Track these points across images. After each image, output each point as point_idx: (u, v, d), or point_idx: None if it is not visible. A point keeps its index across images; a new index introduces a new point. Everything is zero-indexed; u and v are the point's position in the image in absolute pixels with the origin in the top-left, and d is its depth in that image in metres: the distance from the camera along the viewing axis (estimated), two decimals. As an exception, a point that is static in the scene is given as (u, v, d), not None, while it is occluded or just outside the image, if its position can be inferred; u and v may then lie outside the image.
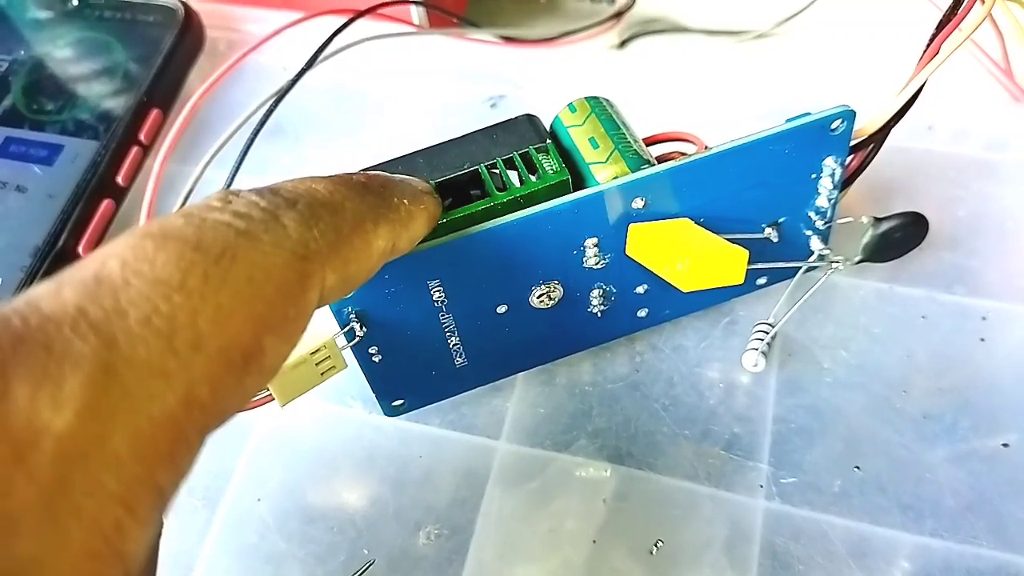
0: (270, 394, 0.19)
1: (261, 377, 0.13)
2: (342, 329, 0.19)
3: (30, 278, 0.26)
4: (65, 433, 0.10)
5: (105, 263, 0.12)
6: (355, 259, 0.15)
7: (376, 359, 0.21)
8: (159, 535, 0.14)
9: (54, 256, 0.26)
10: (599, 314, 0.22)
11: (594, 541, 0.21)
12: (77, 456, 0.10)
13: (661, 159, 0.21)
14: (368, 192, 0.16)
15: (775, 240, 0.22)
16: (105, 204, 0.28)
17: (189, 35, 0.31)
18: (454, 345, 0.21)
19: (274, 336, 0.13)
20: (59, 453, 0.10)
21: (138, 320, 0.11)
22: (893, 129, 0.22)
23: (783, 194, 0.21)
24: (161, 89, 0.30)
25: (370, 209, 0.16)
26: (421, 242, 0.18)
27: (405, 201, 0.17)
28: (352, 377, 0.21)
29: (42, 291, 0.11)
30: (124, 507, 0.11)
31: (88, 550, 0.10)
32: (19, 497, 0.10)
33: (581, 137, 0.21)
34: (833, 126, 0.20)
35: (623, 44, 0.32)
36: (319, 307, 0.14)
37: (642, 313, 0.23)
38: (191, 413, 0.11)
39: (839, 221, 0.23)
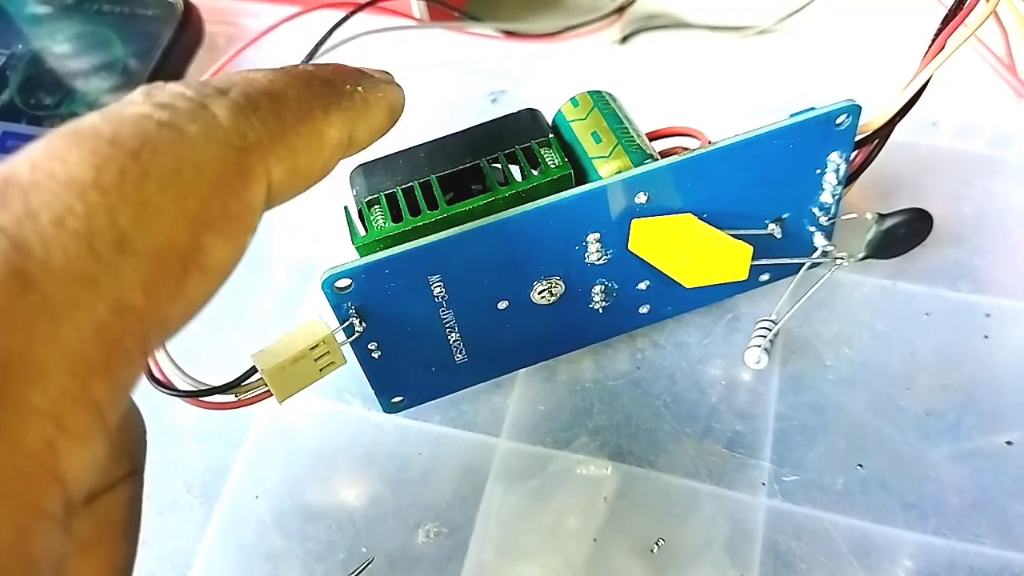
0: (268, 390, 0.19)
1: (206, 281, 0.12)
2: (341, 324, 0.19)
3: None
4: None
5: (13, 167, 0.11)
6: (304, 149, 0.14)
7: (375, 355, 0.21)
8: (140, 476, 0.13)
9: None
10: (601, 310, 0.22)
11: (595, 539, 0.21)
12: None
13: (664, 154, 0.20)
14: (315, 79, 0.15)
15: (778, 236, 0.22)
16: (103, 199, 0.28)
17: (188, 29, 0.31)
18: (454, 341, 0.21)
19: (214, 234, 0.12)
20: None
21: (51, 221, 0.10)
22: (898, 125, 0.22)
23: (787, 190, 0.21)
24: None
25: (318, 97, 0.14)
26: (423, 236, 0.18)
27: (360, 88, 0.15)
28: (351, 373, 0.21)
29: None
30: (55, 424, 0.10)
31: (16, 470, 0.10)
32: None
33: (584, 131, 0.20)
34: (838, 121, 0.20)
35: (625, 39, 0.32)
36: (270, 205, 0.13)
37: (644, 309, 0.23)
38: (125, 321, 0.11)
39: (843, 217, 0.23)
